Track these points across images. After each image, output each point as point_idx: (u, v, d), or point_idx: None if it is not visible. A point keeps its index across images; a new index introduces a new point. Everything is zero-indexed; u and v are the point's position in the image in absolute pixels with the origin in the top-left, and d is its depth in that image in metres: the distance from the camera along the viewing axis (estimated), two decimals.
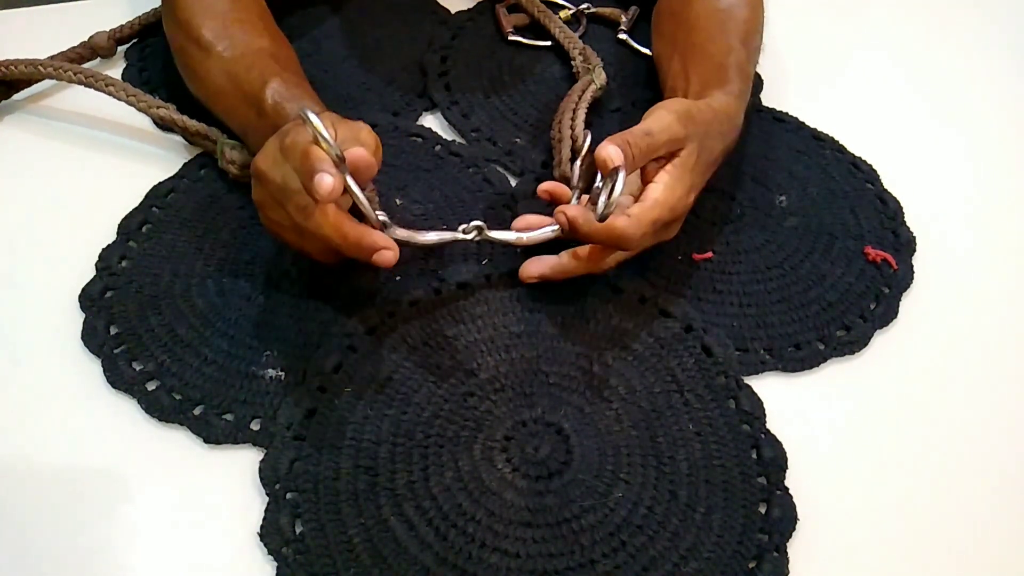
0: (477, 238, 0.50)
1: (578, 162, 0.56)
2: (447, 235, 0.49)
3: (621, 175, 0.47)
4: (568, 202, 0.52)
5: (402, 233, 0.48)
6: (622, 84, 0.68)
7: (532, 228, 0.51)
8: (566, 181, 0.56)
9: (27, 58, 0.61)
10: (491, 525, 0.42)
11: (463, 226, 0.50)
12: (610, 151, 0.47)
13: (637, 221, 0.48)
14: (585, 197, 0.53)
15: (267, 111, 0.52)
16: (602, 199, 0.48)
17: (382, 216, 0.47)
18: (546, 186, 0.53)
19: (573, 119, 0.59)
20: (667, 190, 0.49)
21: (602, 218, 0.47)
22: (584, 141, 0.56)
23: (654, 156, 0.49)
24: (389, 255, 0.45)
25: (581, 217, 0.48)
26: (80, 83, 0.60)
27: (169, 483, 0.44)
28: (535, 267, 0.51)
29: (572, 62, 0.66)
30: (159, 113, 0.58)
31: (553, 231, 0.50)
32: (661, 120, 0.49)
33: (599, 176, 0.49)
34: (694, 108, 0.52)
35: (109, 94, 0.59)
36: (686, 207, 0.51)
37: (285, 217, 0.46)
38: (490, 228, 0.50)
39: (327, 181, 0.41)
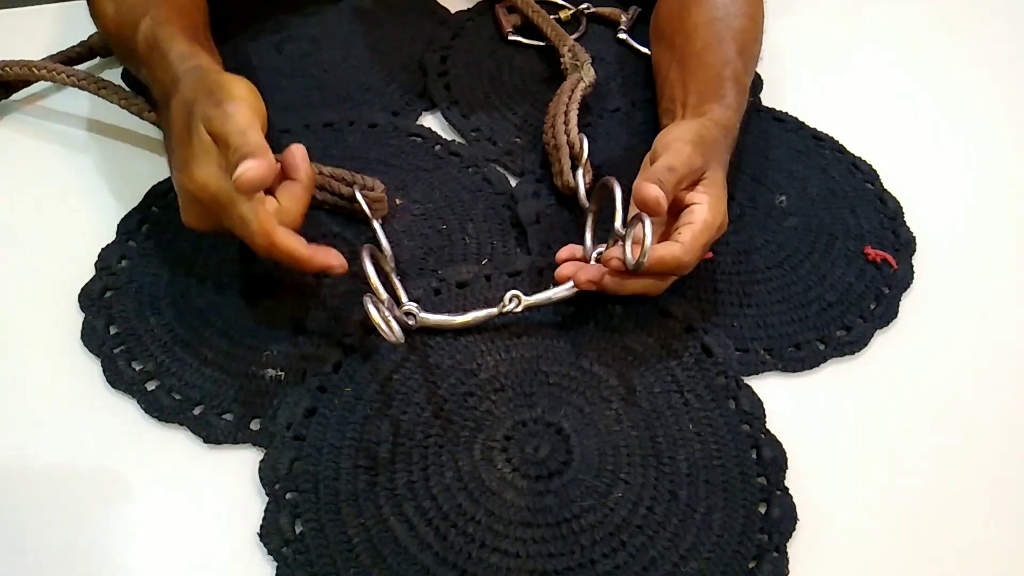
0: (518, 308, 0.50)
1: (580, 171, 0.56)
2: (482, 313, 0.49)
3: (647, 221, 0.46)
4: (585, 259, 0.52)
5: (433, 319, 0.49)
6: (622, 84, 0.68)
7: (574, 260, 0.51)
8: (570, 191, 0.56)
9: (22, 59, 0.61)
10: (491, 525, 0.42)
11: (502, 302, 0.49)
12: (652, 190, 0.46)
13: (691, 246, 0.48)
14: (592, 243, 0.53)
15: (141, 59, 0.52)
16: (628, 247, 0.47)
17: (412, 306, 0.48)
18: (563, 259, 0.52)
19: (567, 123, 0.58)
20: (711, 210, 0.49)
21: (636, 267, 0.46)
22: (582, 147, 0.56)
23: (681, 189, 0.49)
24: (338, 271, 0.46)
25: (611, 282, 0.49)
26: (73, 85, 0.60)
27: (169, 483, 0.44)
28: (591, 272, 0.49)
29: (560, 59, 0.66)
30: (151, 117, 0.58)
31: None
32: (680, 153, 0.49)
33: (620, 201, 0.49)
34: (703, 130, 0.52)
35: (102, 97, 0.59)
36: (726, 221, 0.51)
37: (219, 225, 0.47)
38: (527, 294, 0.50)
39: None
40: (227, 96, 0.44)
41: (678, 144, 0.50)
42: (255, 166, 0.41)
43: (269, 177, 0.42)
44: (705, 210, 0.49)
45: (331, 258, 0.46)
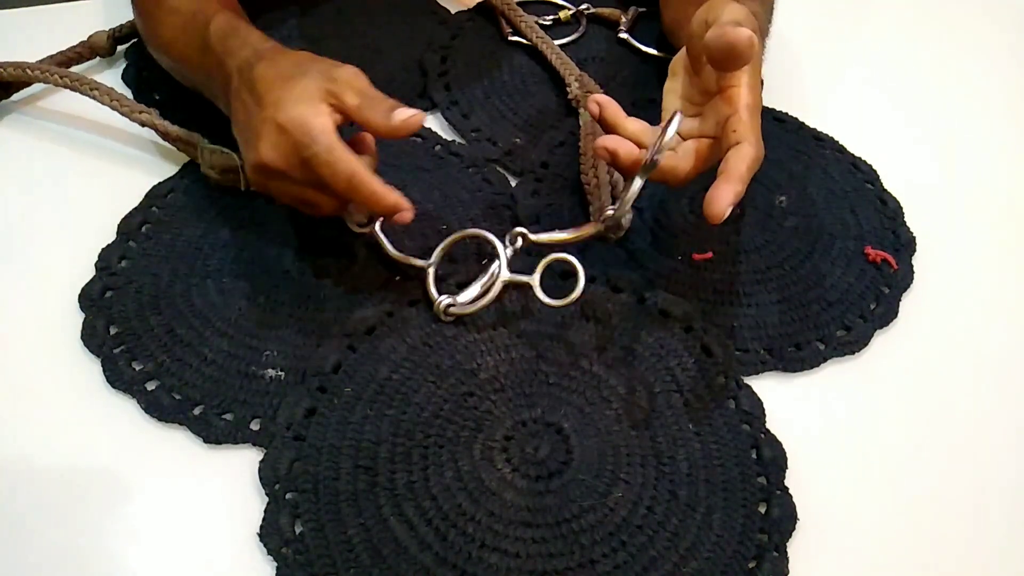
0: (522, 245, 0.51)
1: (627, 206, 0.55)
2: (487, 275, 0.50)
3: (677, 116, 0.45)
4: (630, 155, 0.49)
5: (464, 303, 0.50)
6: (622, 84, 0.68)
7: (618, 150, 0.48)
8: (617, 228, 0.55)
9: (16, 60, 0.61)
10: (491, 525, 0.42)
11: (507, 241, 0.51)
12: (744, 31, 0.43)
13: (757, 137, 0.45)
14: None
15: (212, 46, 0.53)
16: (663, 139, 0.45)
17: (445, 300, 0.50)
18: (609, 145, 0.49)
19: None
20: (752, 91, 0.46)
21: (652, 165, 0.45)
22: (627, 186, 0.55)
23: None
24: (408, 215, 0.49)
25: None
26: (66, 87, 0.60)
27: (169, 483, 0.44)
28: (724, 201, 0.45)
29: (568, 88, 0.65)
30: (141, 118, 0.58)
31: (594, 228, 0.50)
32: (739, 11, 0.45)
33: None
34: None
35: (93, 98, 0.59)
36: (761, 99, 0.48)
37: (297, 185, 0.49)
38: (534, 231, 0.51)
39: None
40: (340, 65, 0.50)
41: (732, 6, 0.46)
42: (417, 113, 0.48)
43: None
44: (746, 93, 0.46)
45: (403, 200, 0.48)
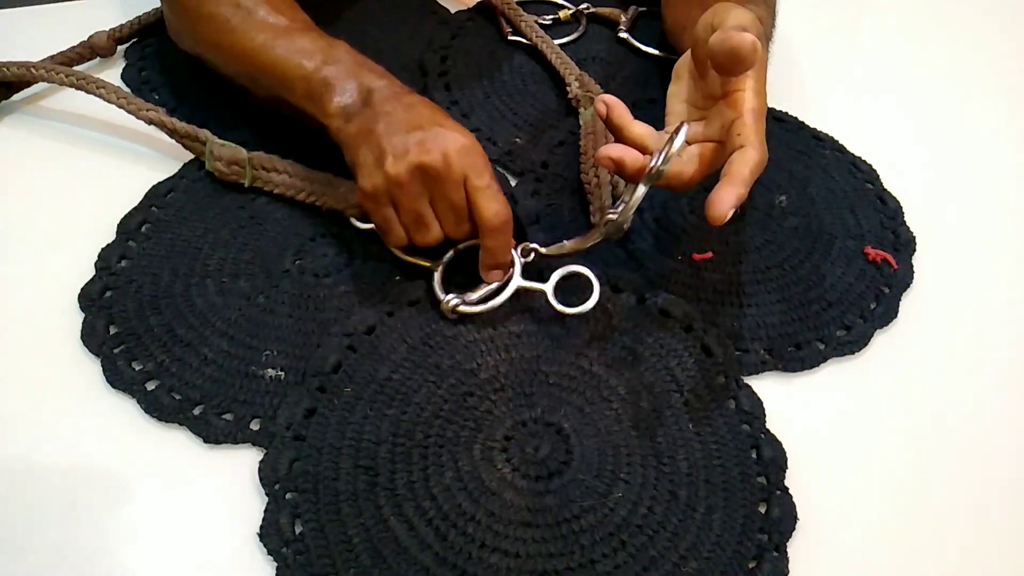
0: (534, 260, 0.52)
1: (629, 209, 0.55)
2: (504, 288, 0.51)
3: (684, 127, 0.46)
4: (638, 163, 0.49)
5: (474, 304, 0.50)
6: (622, 84, 0.67)
7: (623, 159, 0.47)
8: (618, 230, 0.55)
9: (20, 60, 0.61)
10: (491, 525, 0.42)
11: (520, 254, 0.52)
12: (748, 36, 0.43)
13: (760, 141, 0.46)
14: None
15: (340, 59, 0.53)
16: (666, 152, 0.45)
17: (452, 299, 0.50)
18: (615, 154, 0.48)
19: None
20: (757, 95, 0.47)
21: (657, 176, 0.45)
22: (627, 187, 0.55)
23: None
24: (500, 276, 0.51)
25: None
26: (71, 85, 0.60)
27: (169, 483, 0.44)
28: (726, 203, 0.44)
29: (568, 88, 0.65)
30: (148, 116, 0.58)
31: (599, 234, 0.50)
32: (744, 16, 0.46)
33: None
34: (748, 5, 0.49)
35: (100, 96, 0.59)
36: (766, 105, 0.49)
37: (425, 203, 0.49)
38: (544, 245, 0.52)
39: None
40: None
41: (737, 11, 0.47)
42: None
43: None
44: (750, 97, 0.46)
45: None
